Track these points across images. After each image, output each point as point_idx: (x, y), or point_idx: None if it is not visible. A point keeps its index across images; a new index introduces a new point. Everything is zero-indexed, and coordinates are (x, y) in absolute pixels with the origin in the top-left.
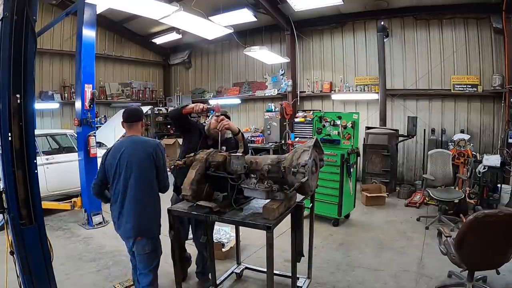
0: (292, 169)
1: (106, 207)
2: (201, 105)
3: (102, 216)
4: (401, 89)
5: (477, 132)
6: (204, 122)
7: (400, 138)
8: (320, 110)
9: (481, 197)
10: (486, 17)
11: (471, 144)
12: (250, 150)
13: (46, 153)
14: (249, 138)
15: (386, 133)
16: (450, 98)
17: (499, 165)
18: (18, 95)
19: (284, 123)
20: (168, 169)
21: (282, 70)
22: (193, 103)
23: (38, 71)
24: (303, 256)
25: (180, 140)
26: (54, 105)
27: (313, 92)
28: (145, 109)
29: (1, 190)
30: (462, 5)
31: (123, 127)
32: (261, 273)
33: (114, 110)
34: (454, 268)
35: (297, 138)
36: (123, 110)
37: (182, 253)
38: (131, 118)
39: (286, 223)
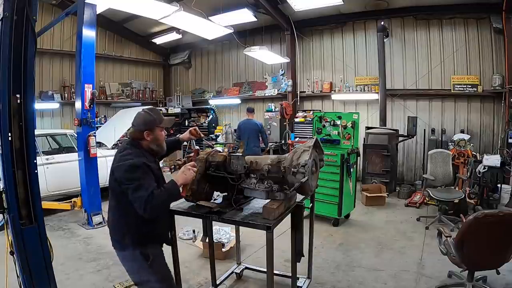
0: (292, 169)
1: (106, 207)
2: (192, 172)
3: (102, 216)
4: (401, 89)
5: (477, 132)
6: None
7: (400, 138)
8: (320, 110)
9: (481, 197)
10: (486, 17)
11: (471, 144)
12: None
13: (46, 153)
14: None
15: (386, 133)
16: (450, 98)
17: (499, 165)
18: (18, 95)
19: (284, 123)
20: (169, 169)
21: (282, 70)
22: (193, 103)
23: (38, 71)
24: (303, 256)
25: None
26: (54, 105)
27: (313, 92)
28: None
29: (1, 190)
30: (462, 5)
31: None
32: (261, 273)
33: (114, 110)
34: (454, 268)
35: (297, 138)
36: (123, 110)
37: None
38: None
39: (286, 223)
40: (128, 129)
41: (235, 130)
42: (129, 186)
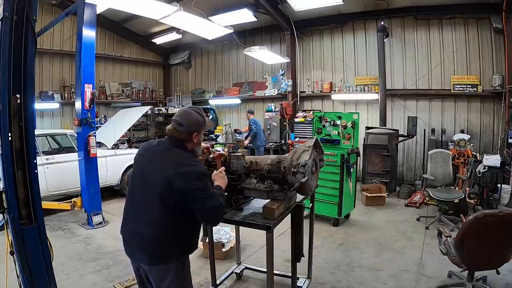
0: (292, 169)
1: (106, 207)
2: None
3: (102, 216)
4: (401, 89)
5: (477, 132)
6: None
7: (400, 138)
8: (320, 110)
9: (481, 197)
10: (486, 17)
11: (471, 144)
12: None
13: (46, 153)
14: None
15: (386, 133)
16: (450, 98)
17: (499, 165)
18: (18, 95)
19: (284, 123)
20: None
21: (282, 70)
22: (193, 103)
23: (38, 71)
24: (303, 256)
25: None
26: (54, 105)
27: (313, 92)
28: (145, 109)
29: (1, 190)
30: (462, 5)
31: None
32: (261, 273)
33: (114, 110)
34: (454, 268)
35: (297, 138)
36: (123, 110)
37: None
38: None
39: (286, 223)
40: (172, 128)
41: (235, 130)
42: (202, 196)
